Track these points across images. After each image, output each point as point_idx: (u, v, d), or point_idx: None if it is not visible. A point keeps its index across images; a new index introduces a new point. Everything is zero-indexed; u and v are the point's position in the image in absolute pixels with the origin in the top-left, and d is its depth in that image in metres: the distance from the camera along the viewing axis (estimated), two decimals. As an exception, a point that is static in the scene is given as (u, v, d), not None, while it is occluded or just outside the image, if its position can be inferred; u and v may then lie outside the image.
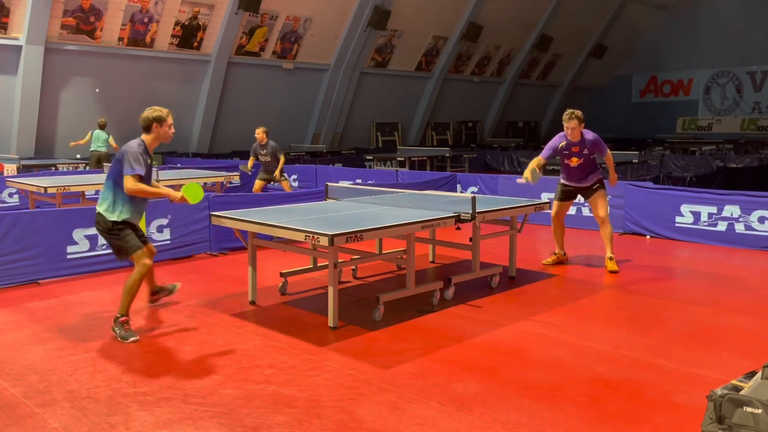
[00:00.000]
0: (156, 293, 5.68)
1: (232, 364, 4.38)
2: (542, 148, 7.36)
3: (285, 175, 11.00)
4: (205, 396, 3.88)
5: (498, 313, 5.51)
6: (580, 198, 7.42)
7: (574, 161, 6.97)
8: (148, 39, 17.37)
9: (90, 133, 14.65)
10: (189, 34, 17.94)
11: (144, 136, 5.00)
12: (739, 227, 8.21)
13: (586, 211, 9.55)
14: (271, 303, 5.86)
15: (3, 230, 6.36)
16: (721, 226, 8.35)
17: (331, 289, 5.04)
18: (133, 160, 4.79)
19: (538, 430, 3.42)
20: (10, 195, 11.21)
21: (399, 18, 21.30)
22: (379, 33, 21.39)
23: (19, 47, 15.29)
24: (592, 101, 30.58)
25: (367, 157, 19.01)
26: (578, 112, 6.82)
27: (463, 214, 5.67)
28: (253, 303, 5.82)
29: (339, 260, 5.07)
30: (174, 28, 17.55)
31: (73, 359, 4.49)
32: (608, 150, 7.06)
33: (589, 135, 6.92)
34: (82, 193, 9.37)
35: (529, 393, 3.88)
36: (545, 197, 9.60)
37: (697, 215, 8.57)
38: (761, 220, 8.05)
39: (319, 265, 6.43)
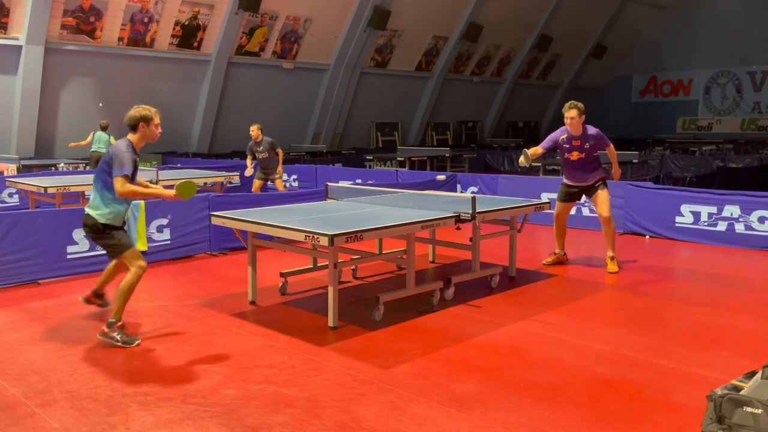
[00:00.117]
0: (98, 296, 5.49)
1: (232, 364, 4.38)
2: (542, 149, 7.33)
3: (278, 174, 10.77)
4: (205, 396, 3.88)
5: (498, 313, 5.51)
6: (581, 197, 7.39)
7: (575, 155, 6.89)
8: (148, 39, 17.37)
9: (92, 134, 14.66)
10: (189, 34, 17.94)
11: (131, 136, 4.89)
12: (739, 227, 8.20)
13: (586, 211, 9.55)
14: (271, 303, 5.86)
15: (3, 230, 6.36)
16: (721, 226, 8.35)
17: (331, 289, 5.04)
18: (123, 160, 4.71)
19: (538, 430, 3.42)
20: (10, 195, 11.20)
21: (399, 18, 21.30)
22: (379, 33, 21.39)
23: (19, 47, 15.30)
24: (592, 101, 30.46)
25: (367, 157, 19.02)
26: (579, 103, 6.78)
27: (463, 214, 5.67)
28: (253, 303, 5.82)
29: (339, 260, 5.07)
30: (174, 28, 17.56)
31: (73, 359, 4.49)
32: (611, 143, 7.03)
33: (592, 130, 6.86)
34: (82, 193, 9.35)
35: (529, 393, 3.88)
36: (545, 197, 9.58)
37: (697, 215, 8.57)
38: (761, 220, 8.05)
39: (319, 265, 6.43)
